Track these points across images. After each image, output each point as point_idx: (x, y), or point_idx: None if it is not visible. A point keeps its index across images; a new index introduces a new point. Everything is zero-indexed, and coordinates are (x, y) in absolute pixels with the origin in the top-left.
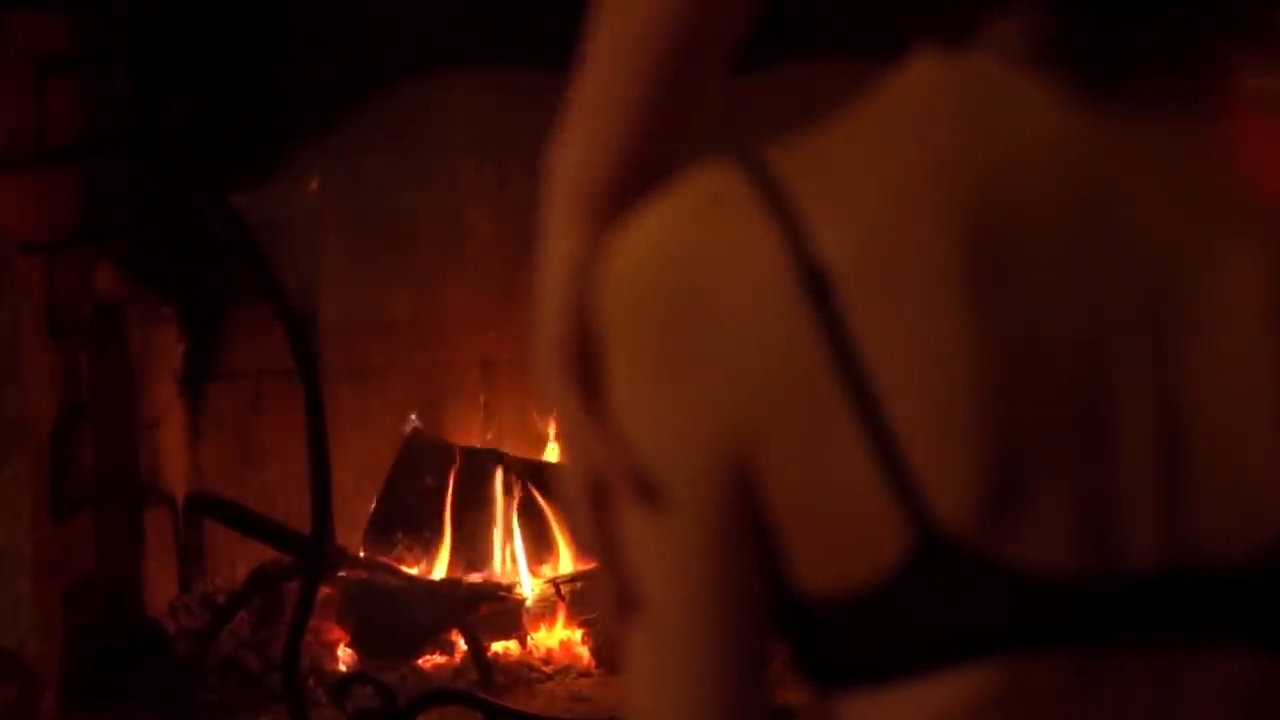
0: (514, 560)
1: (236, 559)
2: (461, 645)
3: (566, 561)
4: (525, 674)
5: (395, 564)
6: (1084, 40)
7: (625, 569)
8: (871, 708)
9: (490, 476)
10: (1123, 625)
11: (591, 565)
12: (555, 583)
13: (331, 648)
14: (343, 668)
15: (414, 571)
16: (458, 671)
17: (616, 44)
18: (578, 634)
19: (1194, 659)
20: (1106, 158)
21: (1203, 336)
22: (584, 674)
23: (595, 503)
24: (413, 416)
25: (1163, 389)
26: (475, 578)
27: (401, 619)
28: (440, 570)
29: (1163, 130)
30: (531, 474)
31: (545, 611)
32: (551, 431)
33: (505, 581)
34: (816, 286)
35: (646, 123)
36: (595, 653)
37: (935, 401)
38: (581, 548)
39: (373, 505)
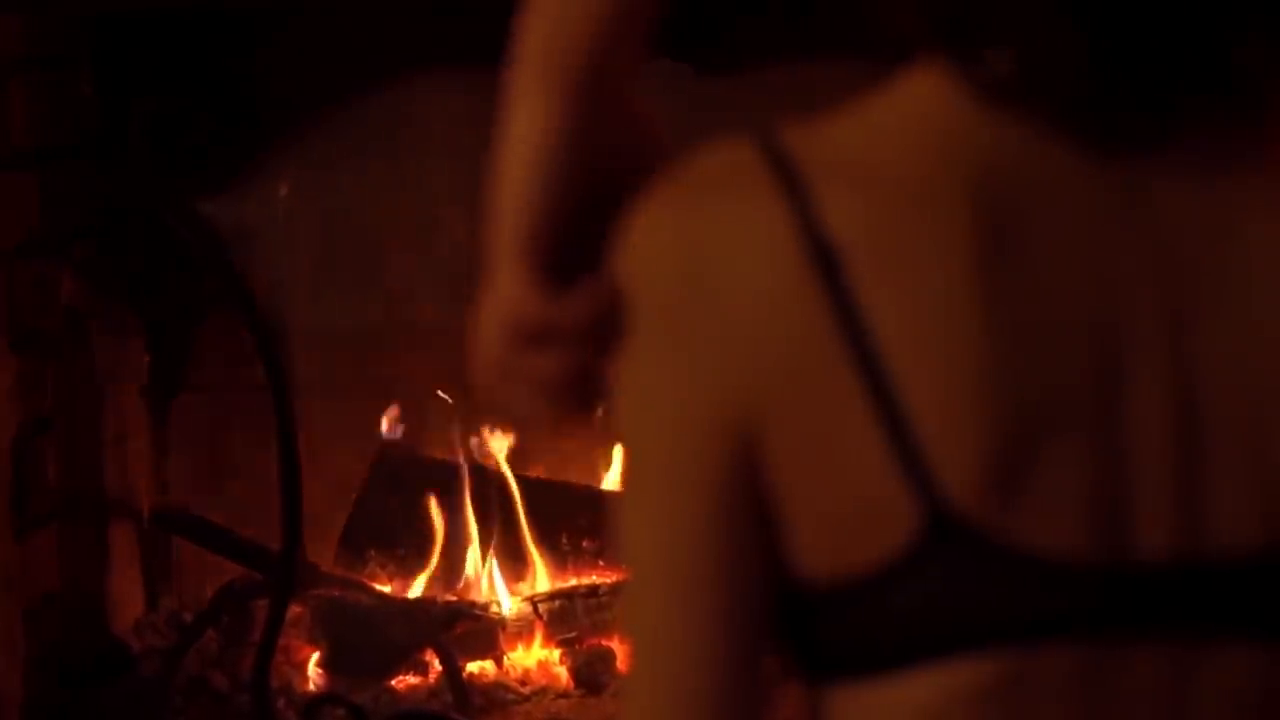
0: (490, 578)
1: (204, 576)
2: (436, 665)
3: (544, 580)
4: (501, 695)
5: (368, 581)
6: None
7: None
8: (870, 697)
9: (465, 492)
10: (1133, 614)
11: (570, 585)
12: (533, 601)
13: (302, 667)
14: (313, 688)
15: (387, 589)
16: (432, 692)
17: None
18: (555, 654)
19: (1204, 650)
20: (1123, 145)
21: (1222, 321)
22: (562, 695)
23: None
24: (386, 430)
25: (1181, 373)
26: (450, 596)
27: (374, 638)
28: (414, 588)
29: (1183, 126)
30: (508, 490)
31: (522, 631)
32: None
33: (481, 600)
34: (826, 263)
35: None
36: (574, 673)
37: (945, 380)
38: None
39: (344, 521)
